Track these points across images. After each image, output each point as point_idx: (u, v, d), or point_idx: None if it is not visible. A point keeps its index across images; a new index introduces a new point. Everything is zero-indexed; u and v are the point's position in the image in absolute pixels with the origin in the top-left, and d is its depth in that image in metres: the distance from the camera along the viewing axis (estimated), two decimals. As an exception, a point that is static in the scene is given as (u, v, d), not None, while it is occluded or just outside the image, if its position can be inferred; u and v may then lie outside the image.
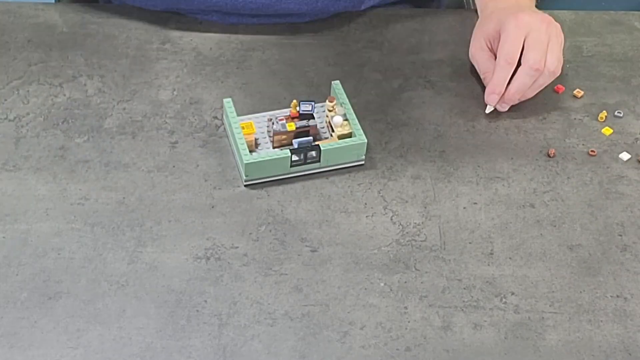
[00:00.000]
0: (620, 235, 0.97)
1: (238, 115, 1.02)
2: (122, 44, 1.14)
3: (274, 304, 0.90)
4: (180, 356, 0.86)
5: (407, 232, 0.97)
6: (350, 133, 1.01)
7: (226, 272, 0.92)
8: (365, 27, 1.18)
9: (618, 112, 1.10)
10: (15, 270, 0.91)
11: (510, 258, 0.95)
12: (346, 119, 1.02)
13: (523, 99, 1.07)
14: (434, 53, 1.16)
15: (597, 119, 1.09)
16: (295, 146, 0.99)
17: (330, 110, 1.03)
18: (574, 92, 1.12)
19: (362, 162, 1.02)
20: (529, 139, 1.07)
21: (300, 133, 1.00)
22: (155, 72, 1.11)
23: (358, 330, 0.88)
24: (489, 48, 1.08)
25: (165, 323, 0.88)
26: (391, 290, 0.92)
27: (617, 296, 0.92)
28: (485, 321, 0.90)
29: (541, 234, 0.97)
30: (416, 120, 1.08)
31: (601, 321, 0.90)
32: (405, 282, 0.92)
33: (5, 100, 1.07)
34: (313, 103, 1.01)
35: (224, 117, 1.04)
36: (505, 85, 1.05)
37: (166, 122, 1.06)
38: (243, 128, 1.00)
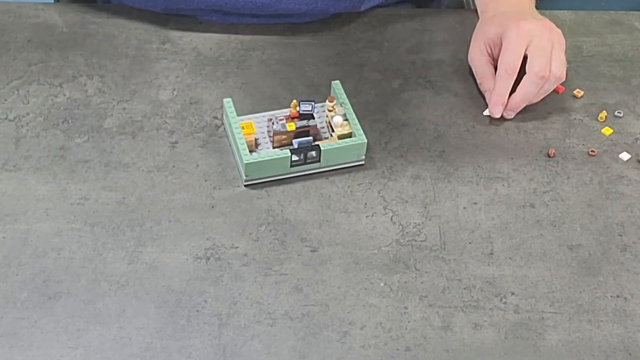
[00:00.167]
0: (620, 235, 0.97)
1: (238, 115, 1.02)
2: (122, 44, 1.14)
3: (274, 304, 0.90)
4: (180, 356, 0.86)
5: (407, 232, 0.97)
6: (350, 133, 1.01)
7: (226, 272, 0.92)
8: (365, 27, 1.18)
9: (618, 112, 1.10)
10: (15, 270, 0.91)
11: (510, 258, 0.95)
12: (346, 119, 1.02)
13: (528, 104, 1.07)
14: (434, 53, 1.16)
15: (597, 119, 1.09)
16: (295, 146, 0.99)
17: (330, 110, 1.03)
18: (574, 92, 1.12)
19: (362, 162, 1.02)
20: (529, 139, 1.07)
21: (300, 133, 1.00)
22: (155, 72, 1.11)
23: (358, 330, 0.88)
24: (488, 53, 1.08)
25: (165, 323, 0.88)
26: (391, 290, 0.92)
27: (617, 296, 0.92)
28: (485, 321, 0.90)
29: (541, 234, 0.97)
30: (416, 120, 1.08)
31: (601, 321, 0.90)
32: (405, 282, 0.92)
33: (5, 100, 1.07)
34: (313, 103, 1.01)
35: (224, 117, 1.04)
36: (508, 95, 1.05)
37: (166, 122, 1.06)
38: (243, 128, 1.00)
